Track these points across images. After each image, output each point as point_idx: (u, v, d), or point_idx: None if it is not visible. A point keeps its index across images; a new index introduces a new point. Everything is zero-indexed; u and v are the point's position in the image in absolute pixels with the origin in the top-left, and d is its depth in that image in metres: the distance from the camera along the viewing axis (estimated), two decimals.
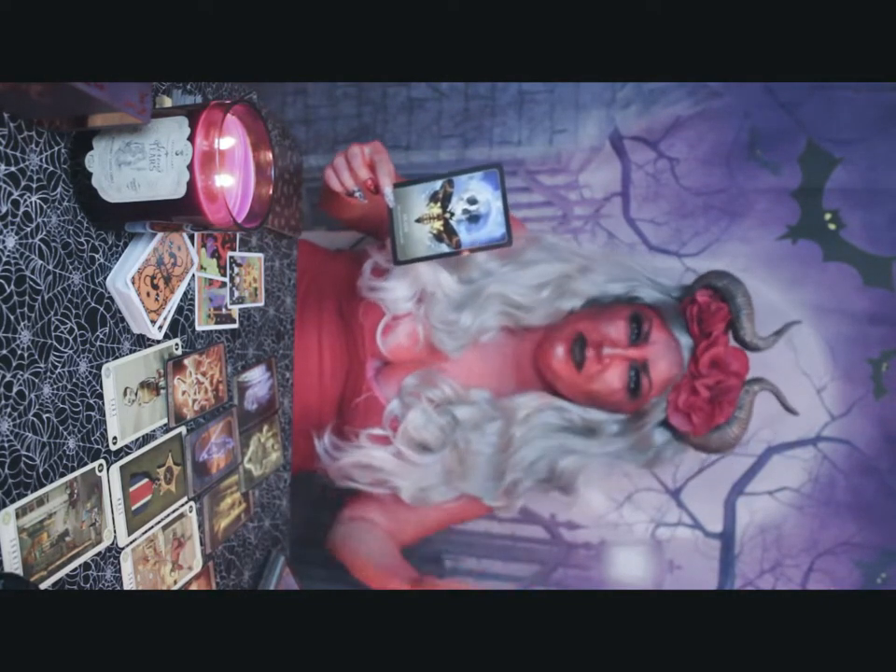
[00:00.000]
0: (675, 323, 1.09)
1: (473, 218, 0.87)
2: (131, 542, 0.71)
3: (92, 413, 0.67)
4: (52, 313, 0.62)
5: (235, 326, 0.90)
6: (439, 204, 0.88)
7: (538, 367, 1.13)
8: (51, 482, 0.62)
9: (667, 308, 1.11)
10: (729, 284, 1.09)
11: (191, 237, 0.77)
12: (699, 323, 1.07)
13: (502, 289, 1.10)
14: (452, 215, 0.88)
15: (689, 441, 1.12)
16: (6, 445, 0.58)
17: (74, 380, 0.64)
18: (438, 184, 0.88)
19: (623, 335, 1.06)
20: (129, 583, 0.71)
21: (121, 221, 0.65)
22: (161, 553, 0.76)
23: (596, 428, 1.13)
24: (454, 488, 1.14)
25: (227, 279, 0.86)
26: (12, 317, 0.58)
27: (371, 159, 0.91)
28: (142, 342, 0.73)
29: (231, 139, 0.65)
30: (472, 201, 0.87)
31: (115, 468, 0.69)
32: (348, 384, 1.18)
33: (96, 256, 0.66)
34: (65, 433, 0.64)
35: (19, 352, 0.58)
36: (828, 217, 1.44)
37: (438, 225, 0.88)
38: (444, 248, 0.88)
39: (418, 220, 0.89)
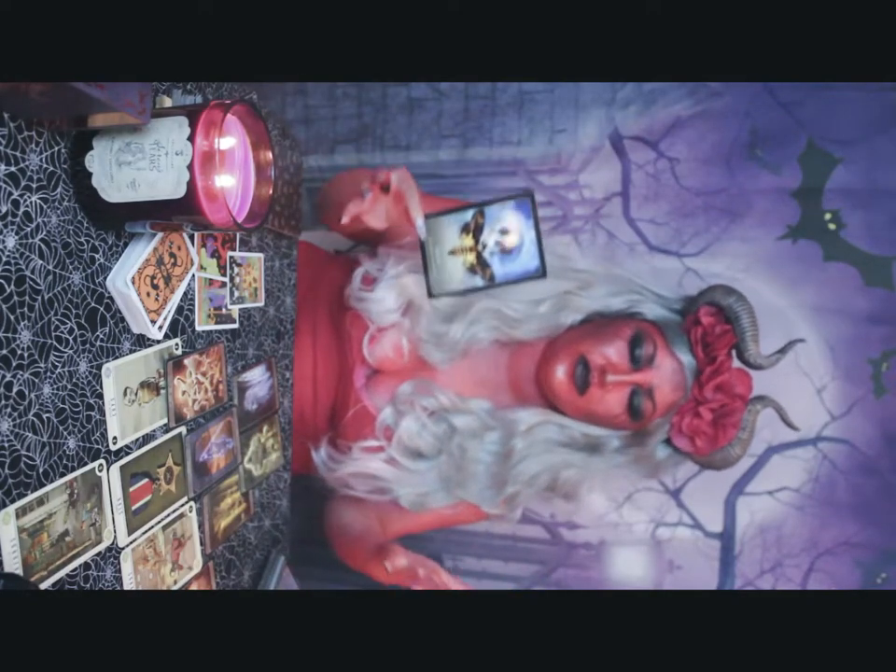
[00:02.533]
0: (677, 342, 1.06)
1: (506, 250, 0.85)
2: (131, 542, 0.71)
3: (92, 413, 0.67)
4: (52, 313, 0.62)
5: (235, 326, 0.90)
6: (471, 236, 0.86)
7: (538, 384, 1.11)
8: (51, 482, 0.62)
9: (670, 325, 1.08)
10: (734, 303, 1.06)
11: (191, 237, 0.77)
12: (704, 346, 1.05)
13: (496, 304, 1.08)
14: (484, 247, 0.85)
15: (691, 458, 1.12)
16: (6, 445, 0.58)
17: (74, 380, 0.64)
18: (469, 214, 0.86)
19: (625, 358, 1.04)
20: (129, 583, 0.71)
21: (121, 221, 0.65)
22: (160, 552, 0.76)
23: (598, 444, 1.11)
24: (452, 495, 1.14)
25: (227, 279, 0.86)
26: (12, 317, 0.58)
27: (398, 186, 0.89)
28: (142, 342, 0.73)
29: (231, 139, 0.65)
30: (504, 231, 0.85)
31: (115, 468, 0.69)
32: (339, 391, 1.17)
33: (96, 256, 0.66)
34: (65, 433, 0.64)
35: (19, 352, 0.58)
36: (828, 216, 1.45)
37: (471, 258, 0.86)
38: (479, 282, 0.86)
39: (451, 253, 0.87)
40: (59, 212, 0.62)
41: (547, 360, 1.09)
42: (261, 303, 0.96)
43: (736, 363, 1.08)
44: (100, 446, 0.67)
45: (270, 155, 0.68)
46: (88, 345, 0.66)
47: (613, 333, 1.06)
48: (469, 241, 0.86)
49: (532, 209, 0.84)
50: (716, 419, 1.06)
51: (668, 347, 1.06)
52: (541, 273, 0.85)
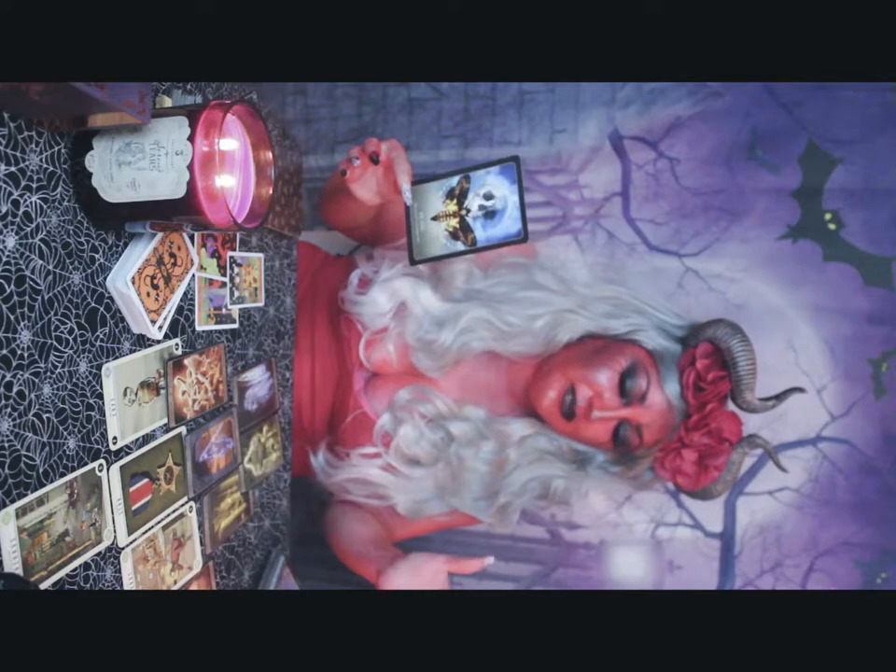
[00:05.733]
0: (670, 378, 1.03)
1: (489, 214, 0.84)
2: (131, 542, 0.71)
3: (92, 413, 0.67)
4: (52, 313, 0.62)
5: (235, 326, 0.90)
6: (455, 201, 0.85)
7: (530, 400, 1.10)
8: (51, 482, 0.62)
9: (666, 358, 1.05)
10: (735, 346, 1.00)
11: (191, 237, 0.77)
12: (695, 391, 1.02)
13: (490, 315, 1.05)
14: (468, 211, 0.85)
15: (675, 485, 1.11)
16: (6, 445, 0.58)
17: (74, 380, 0.64)
18: (454, 180, 0.86)
19: (615, 392, 1.02)
20: (129, 583, 0.71)
21: (121, 221, 0.65)
22: (161, 552, 0.76)
23: (585, 459, 1.12)
24: (446, 504, 1.13)
25: (227, 279, 0.86)
26: (12, 317, 0.58)
27: (388, 156, 0.89)
28: (142, 342, 0.73)
29: (231, 139, 0.65)
30: (489, 196, 0.84)
31: (115, 468, 0.69)
32: (338, 395, 1.17)
33: (96, 256, 0.66)
34: (65, 433, 0.64)
35: (19, 352, 0.58)
36: (828, 217, 1.45)
37: (454, 222, 0.85)
38: (460, 246, 0.86)
39: (434, 218, 0.86)
40: (59, 212, 0.62)
41: (538, 382, 1.08)
42: (261, 303, 0.96)
43: (730, 406, 1.05)
44: (100, 446, 0.67)
45: (270, 155, 0.68)
46: (88, 345, 0.66)
47: (605, 363, 1.03)
48: (452, 206, 0.86)
49: (517, 174, 0.84)
50: (699, 459, 1.04)
51: (660, 384, 1.03)
52: (523, 236, 0.84)
